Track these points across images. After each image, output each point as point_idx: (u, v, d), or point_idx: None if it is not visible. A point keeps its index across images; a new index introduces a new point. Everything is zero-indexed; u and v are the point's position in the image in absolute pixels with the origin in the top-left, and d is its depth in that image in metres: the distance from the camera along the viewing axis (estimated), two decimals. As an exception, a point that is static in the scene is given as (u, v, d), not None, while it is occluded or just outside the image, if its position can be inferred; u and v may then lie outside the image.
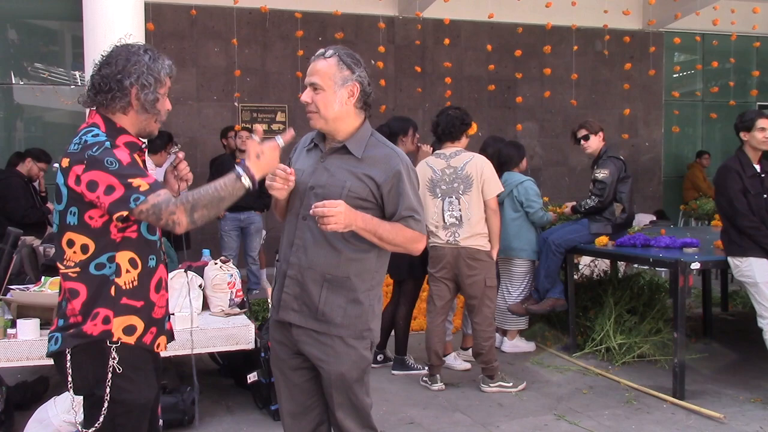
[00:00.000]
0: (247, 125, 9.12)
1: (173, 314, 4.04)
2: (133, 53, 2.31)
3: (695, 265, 4.77)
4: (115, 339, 2.26)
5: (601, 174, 5.63)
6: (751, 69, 11.27)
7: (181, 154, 2.53)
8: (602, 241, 5.59)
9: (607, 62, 10.82)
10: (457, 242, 4.83)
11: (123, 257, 2.28)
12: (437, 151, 5.02)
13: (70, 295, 2.30)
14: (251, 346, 4.27)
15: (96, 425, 2.25)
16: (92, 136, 2.24)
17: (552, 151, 10.64)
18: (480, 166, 4.84)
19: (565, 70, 10.38)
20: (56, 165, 2.32)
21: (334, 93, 2.52)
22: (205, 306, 4.62)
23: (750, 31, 9.68)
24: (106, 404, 2.24)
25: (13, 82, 9.31)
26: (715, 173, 5.01)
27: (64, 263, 2.32)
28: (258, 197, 7.53)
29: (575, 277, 6.17)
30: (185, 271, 4.44)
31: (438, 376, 5.03)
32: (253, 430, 4.24)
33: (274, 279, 2.76)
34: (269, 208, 7.28)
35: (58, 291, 3.97)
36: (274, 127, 9.69)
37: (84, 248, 2.27)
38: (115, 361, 2.25)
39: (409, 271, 5.21)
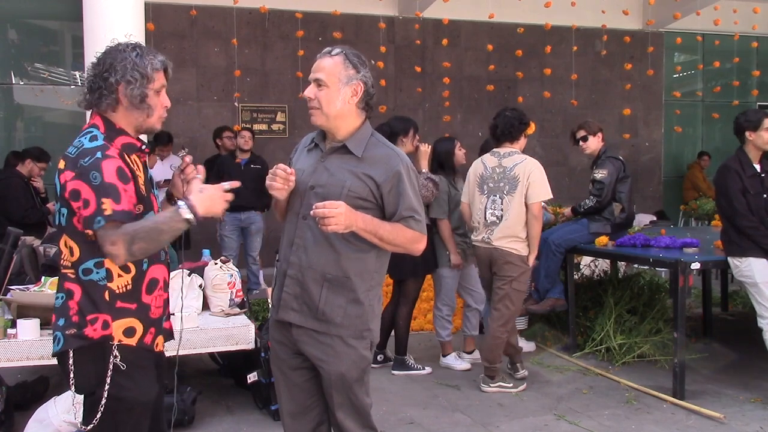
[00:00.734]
0: (247, 125, 9.12)
1: (173, 314, 4.04)
2: (120, 51, 2.32)
3: (695, 265, 4.77)
4: (116, 342, 2.28)
5: (600, 174, 5.63)
6: (752, 69, 11.27)
7: (188, 158, 2.53)
8: (602, 241, 5.59)
9: (607, 62, 10.82)
10: (490, 241, 4.86)
11: (112, 263, 2.28)
12: (494, 149, 5.04)
13: (67, 295, 2.32)
14: (251, 346, 4.27)
15: (94, 422, 2.28)
16: (90, 139, 2.26)
17: (552, 151, 10.63)
18: (529, 169, 4.80)
19: (565, 70, 10.38)
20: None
21: (337, 90, 2.53)
22: (205, 306, 4.62)
23: (750, 31, 9.68)
24: (103, 401, 2.27)
25: (13, 82, 9.32)
26: (715, 173, 5.00)
27: (62, 263, 2.36)
28: (258, 197, 7.53)
29: (575, 277, 6.17)
30: (188, 274, 4.45)
31: (518, 365, 5.18)
32: (253, 430, 4.24)
33: (274, 278, 2.76)
34: (269, 208, 7.30)
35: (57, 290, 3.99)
36: (274, 127, 9.70)
37: (71, 251, 2.30)
38: (117, 359, 2.27)
39: (410, 270, 5.21)
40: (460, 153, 5.58)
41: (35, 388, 4.63)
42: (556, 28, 9.83)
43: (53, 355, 2.36)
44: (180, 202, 2.22)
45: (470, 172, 5.11)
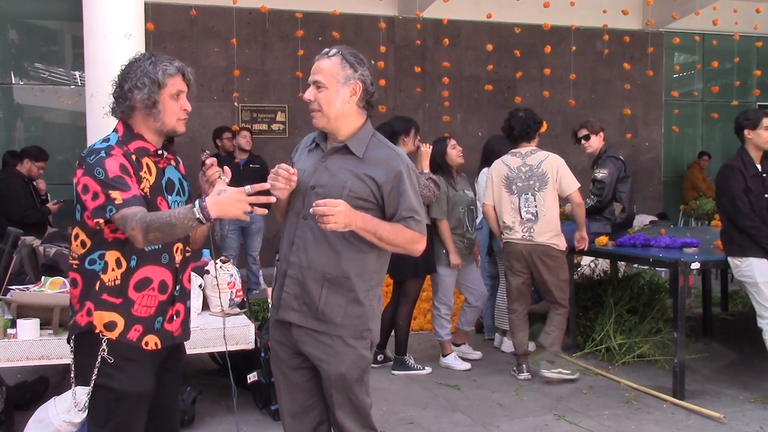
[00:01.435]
0: (247, 125, 9.12)
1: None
2: (136, 60, 2.48)
3: (695, 265, 4.78)
4: (97, 332, 2.39)
5: (600, 174, 5.64)
6: (752, 69, 11.27)
7: (209, 160, 2.55)
8: (602, 241, 5.59)
9: (606, 62, 10.82)
10: (532, 238, 5.03)
11: (111, 256, 2.41)
12: (512, 150, 5.18)
13: (71, 284, 2.48)
14: (251, 346, 4.27)
15: (87, 410, 2.42)
16: (102, 141, 2.44)
17: (552, 150, 10.53)
18: (555, 164, 5.08)
19: (564, 70, 10.38)
20: None
21: (336, 91, 2.53)
22: (205, 306, 4.61)
23: (751, 30, 9.68)
24: (92, 390, 2.40)
25: (13, 82, 9.32)
26: (716, 173, 5.00)
27: (71, 254, 2.48)
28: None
29: (575, 277, 6.17)
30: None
31: (524, 366, 5.22)
32: (253, 430, 4.24)
33: (274, 278, 2.76)
34: (269, 208, 7.30)
35: (58, 291, 4.00)
36: (274, 127, 9.70)
37: (83, 244, 2.43)
38: (105, 353, 2.38)
39: (411, 271, 5.21)
40: (453, 152, 5.56)
41: (35, 388, 4.63)
42: (555, 28, 9.83)
43: (67, 342, 2.52)
44: (197, 201, 2.29)
45: (492, 175, 5.17)
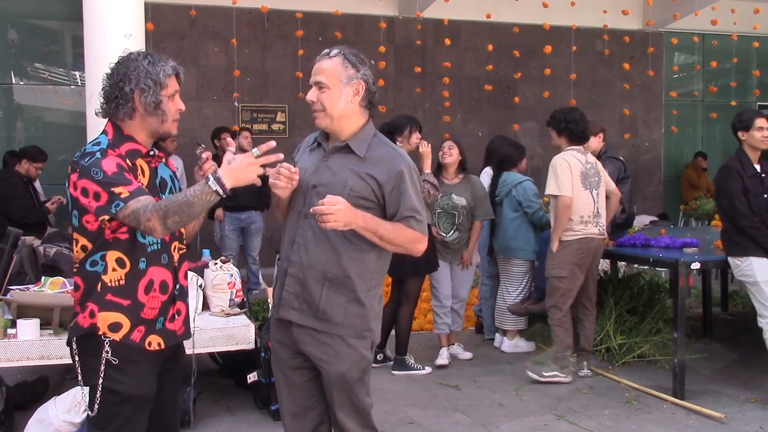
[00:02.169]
0: (247, 125, 9.12)
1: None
2: (132, 60, 2.41)
3: (695, 265, 4.78)
4: (100, 333, 2.36)
5: (601, 174, 5.63)
6: (752, 69, 11.28)
7: (205, 154, 2.55)
8: (602, 241, 5.59)
9: (606, 62, 10.82)
10: (604, 232, 5.16)
11: (111, 256, 2.38)
12: (574, 147, 5.16)
13: (75, 287, 2.46)
14: (251, 346, 4.27)
15: (91, 412, 2.38)
16: (93, 144, 2.39)
17: (552, 151, 10.45)
18: (600, 164, 5.28)
19: (564, 70, 10.38)
20: None
21: (339, 91, 2.53)
22: (205, 306, 4.61)
23: (750, 31, 9.68)
24: (99, 394, 2.36)
25: (13, 82, 9.32)
26: (715, 173, 5.01)
27: (73, 259, 2.47)
28: (258, 197, 7.54)
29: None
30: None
31: (585, 363, 5.23)
32: (253, 430, 4.24)
33: (275, 278, 2.76)
34: (269, 208, 7.30)
35: (58, 291, 4.00)
36: (274, 127, 9.70)
37: (84, 248, 2.41)
38: (108, 354, 2.35)
39: (411, 270, 5.20)
40: (441, 153, 5.54)
41: (35, 388, 4.63)
42: (555, 28, 9.83)
43: (67, 345, 2.47)
44: (209, 176, 2.27)
45: (570, 168, 5.01)
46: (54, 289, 4.05)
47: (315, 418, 2.70)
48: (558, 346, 5.09)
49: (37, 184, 7.53)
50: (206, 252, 5.14)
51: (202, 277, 4.61)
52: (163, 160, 2.57)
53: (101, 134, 2.44)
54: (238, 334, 4.24)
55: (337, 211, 2.36)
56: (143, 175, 2.43)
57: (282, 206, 2.68)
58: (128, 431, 2.42)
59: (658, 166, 11.63)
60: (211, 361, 5.26)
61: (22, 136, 9.37)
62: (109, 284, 2.37)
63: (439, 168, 5.57)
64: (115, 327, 2.37)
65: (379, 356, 5.48)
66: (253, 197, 7.52)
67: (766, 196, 4.65)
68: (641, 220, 7.74)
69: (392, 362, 5.43)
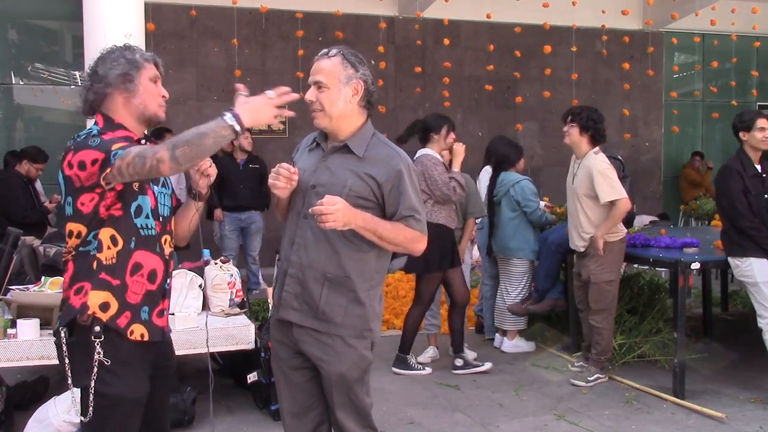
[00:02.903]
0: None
1: (173, 314, 4.04)
2: (107, 50, 2.47)
3: (695, 265, 4.77)
4: (90, 312, 2.30)
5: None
6: (751, 69, 11.27)
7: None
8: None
9: (606, 62, 10.82)
10: None
11: (105, 234, 2.34)
12: (602, 148, 5.11)
13: (66, 272, 2.40)
14: (251, 346, 4.27)
15: (84, 417, 2.33)
16: (85, 131, 2.39)
17: (552, 151, 10.63)
18: None
19: (564, 70, 10.38)
20: None
21: (338, 91, 2.53)
22: (205, 306, 4.61)
23: (750, 31, 9.69)
24: (91, 397, 2.30)
25: (13, 82, 9.32)
26: (716, 173, 5.00)
27: (65, 251, 2.42)
28: (258, 197, 7.54)
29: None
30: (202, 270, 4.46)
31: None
32: (253, 430, 4.24)
33: (275, 278, 2.76)
34: (269, 208, 7.30)
35: (58, 291, 4.00)
36: (274, 127, 9.69)
37: (78, 235, 2.36)
38: (100, 355, 2.29)
39: (424, 267, 5.11)
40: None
41: (35, 388, 4.64)
42: (555, 28, 9.84)
43: (53, 334, 2.41)
44: (225, 112, 2.21)
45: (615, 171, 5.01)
46: (54, 289, 4.05)
47: (315, 418, 2.70)
48: (600, 348, 5.03)
49: (38, 185, 7.54)
50: (206, 252, 5.14)
51: (202, 277, 4.61)
52: None
53: (93, 125, 2.43)
54: (238, 334, 4.24)
55: (335, 211, 2.36)
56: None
57: (281, 206, 2.68)
58: None
59: (658, 166, 11.63)
60: (211, 361, 5.25)
61: (22, 136, 9.37)
62: (104, 262, 2.33)
63: None
64: (104, 306, 2.32)
65: (458, 362, 5.35)
66: (253, 197, 7.53)
67: (766, 196, 4.65)
68: (641, 220, 7.73)
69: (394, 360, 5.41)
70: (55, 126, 9.68)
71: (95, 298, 2.32)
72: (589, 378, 5.01)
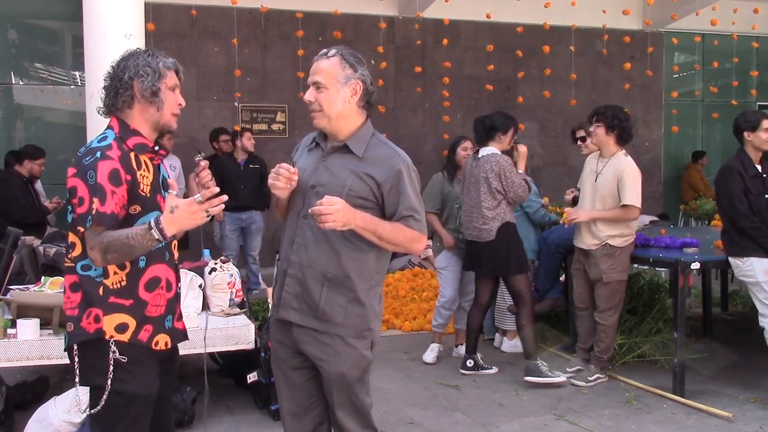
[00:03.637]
0: (247, 125, 9.13)
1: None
2: (132, 54, 2.46)
3: (695, 265, 4.77)
4: (108, 337, 2.35)
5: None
6: (751, 69, 11.27)
7: (203, 163, 2.57)
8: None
9: (606, 62, 10.82)
10: None
11: None
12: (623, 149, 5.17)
13: (70, 288, 2.43)
14: (251, 346, 4.27)
15: (95, 410, 2.37)
16: (99, 140, 2.39)
17: (552, 151, 10.63)
18: None
19: (564, 70, 10.38)
20: None
21: (337, 91, 2.54)
22: (205, 306, 4.61)
23: (750, 31, 9.68)
24: (106, 394, 2.35)
25: (13, 82, 9.32)
26: (716, 173, 5.01)
27: (67, 257, 2.46)
28: (258, 197, 7.54)
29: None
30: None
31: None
32: (253, 430, 4.24)
33: (275, 278, 2.76)
34: (269, 208, 7.30)
35: (58, 291, 4.00)
36: (274, 127, 9.70)
37: (72, 246, 2.41)
38: (116, 354, 2.35)
39: (516, 267, 5.07)
40: (461, 153, 5.62)
41: (35, 388, 4.64)
42: (555, 28, 9.84)
43: (65, 351, 2.47)
44: (151, 221, 2.26)
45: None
46: (54, 289, 4.05)
47: (315, 418, 2.70)
48: (603, 347, 5.02)
49: (38, 185, 7.53)
50: (206, 252, 5.15)
51: (202, 277, 4.62)
52: (164, 159, 2.59)
53: (107, 129, 2.44)
54: (238, 334, 4.24)
55: (335, 211, 2.36)
56: (148, 171, 2.43)
57: (281, 206, 2.68)
58: (134, 431, 2.42)
59: (658, 166, 11.63)
60: (211, 361, 5.26)
61: (22, 136, 9.36)
62: (111, 287, 2.37)
63: (456, 167, 5.61)
64: (121, 328, 2.37)
65: (469, 362, 5.31)
66: (253, 197, 7.53)
67: (767, 196, 4.65)
68: (641, 220, 7.72)
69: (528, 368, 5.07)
70: (55, 126, 9.68)
71: (110, 322, 2.36)
72: (589, 378, 5.01)
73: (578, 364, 5.21)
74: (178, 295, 2.55)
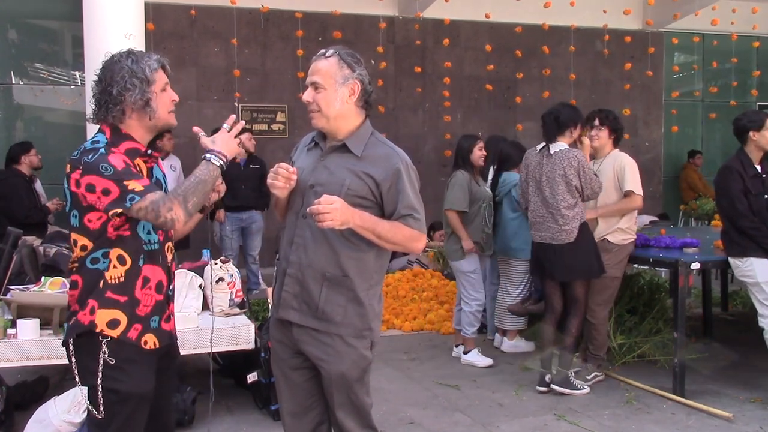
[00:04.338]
0: (247, 125, 9.12)
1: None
2: (116, 62, 2.42)
3: (695, 265, 4.78)
4: (98, 330, 2.37)
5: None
6: (752, 69, 11.27)
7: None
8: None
9: (606, 62, 10.81)
10: None
11: (114, 253, 2.40)
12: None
13: (71, 286, 2.45)
14: (251, 346, 4.27)
15: (98, 414, 2.38)
16: (92, 143, 2.38)
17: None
18: None
19: (564, 70, 10.38)
20: None
21: (335, 91, 2.54)
22: (205, 306, 4.61)
23: (750, 31, 9.68)
24: (100, 394, 2.37)
25: (13, 82, 9.31)
26: (716, 173, 5.01)
27: (71, 258, 2.47)
28: (258, 196, 7.54)
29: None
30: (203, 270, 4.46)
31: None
32: (253, 430, 4.24)
33: (274, 278, 2.76)
34: (269, 207, 7.30)
35: (58, 291, 4.01)
36: (274, 127, 9.70)
37: (83, 248, 2.41)
38: (106, 354, 2.36)
39: (584, 272, 4.83)
40: (478, 152, 5.65)
41: (35, 388, 4.63)
42: (555, 28, 9.84)
43: (62, 345, 2.48)
44: (206, 154, 2.40)
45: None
46: (54, 289, 4.05)
47: (315, 418, 2.70)
48: (597, 343, 5.01)
49: (39, 186, 7.50)
50: (206, 252, 5.14)
51: (202, 277, 4.61)
52: (157, 161, 2.59)
53: (98, 133, 2.43)
54: (238, 334, 4.24)
55: (333, 210, 2.37)
56: (142, 175, 2.43)
57: (280, 206, 2.68)
58: (129, 430, 2.43)
59: (658, 166, 11.62)
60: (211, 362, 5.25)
61: (22, 136, 9.32)
62: (110, 281, 2.38)
63: (465, 163, 5.64)
64: (113, 324, 2.38)
65: (548, 377, 4.90)
66: (254, 197, 7.53)
67: (766, 196, 4.65)
68: (641, 220, 7.73)
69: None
70: (55, 126, 9.67)
71: (103, 316, 2.37)
72: (587, 377, 5.01)
73: (577, 364, 5.21)
74: (168, 298, 2.54)
